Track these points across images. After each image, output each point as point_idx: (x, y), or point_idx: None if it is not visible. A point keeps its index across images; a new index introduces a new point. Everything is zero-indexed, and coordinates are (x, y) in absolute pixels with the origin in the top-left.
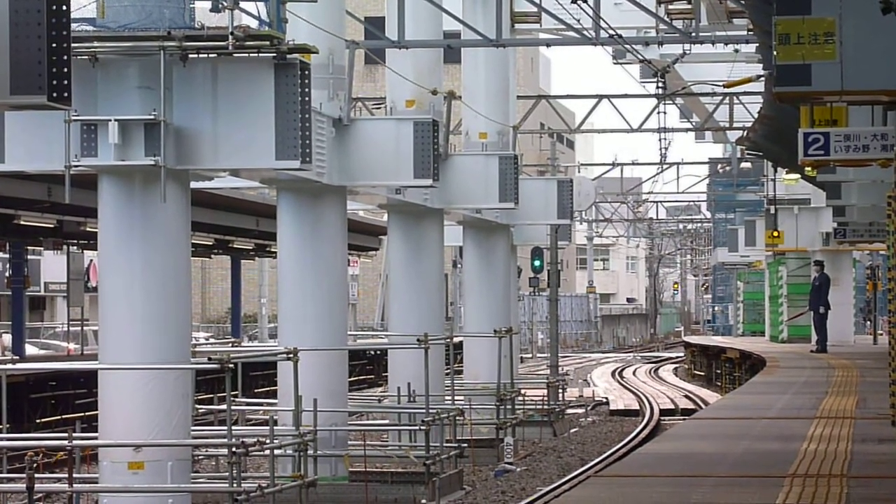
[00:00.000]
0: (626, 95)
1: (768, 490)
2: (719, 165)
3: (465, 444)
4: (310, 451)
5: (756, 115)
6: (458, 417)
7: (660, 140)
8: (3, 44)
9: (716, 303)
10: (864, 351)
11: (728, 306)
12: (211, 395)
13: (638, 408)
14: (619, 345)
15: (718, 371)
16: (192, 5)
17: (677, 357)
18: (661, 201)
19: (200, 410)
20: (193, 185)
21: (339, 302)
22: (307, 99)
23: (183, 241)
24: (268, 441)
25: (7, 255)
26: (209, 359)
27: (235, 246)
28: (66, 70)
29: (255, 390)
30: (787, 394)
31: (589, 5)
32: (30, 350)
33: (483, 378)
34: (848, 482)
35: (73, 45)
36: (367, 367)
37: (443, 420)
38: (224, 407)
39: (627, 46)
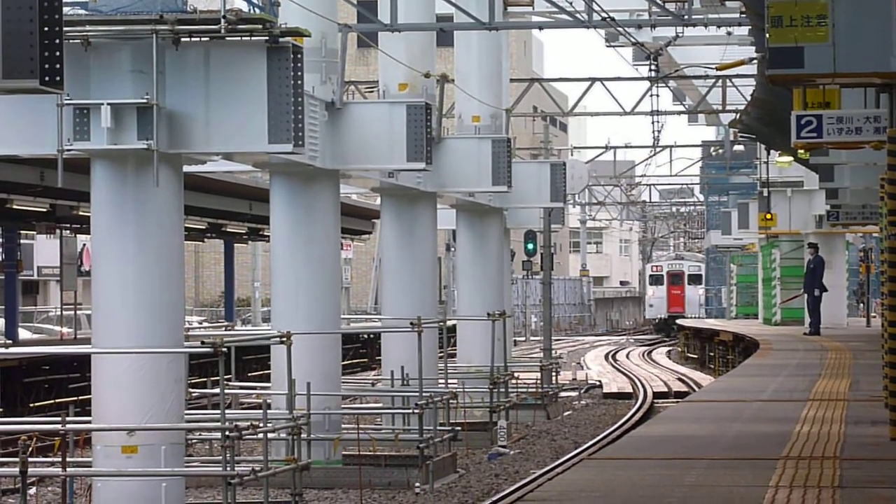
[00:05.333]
0: (618, 78)
1: (761, 472)
2: (712, 148)
3: (459, 428)
4: (303, 435)
5: (749, 98)
6: (451, 401)
7: (653, 123)
8: None
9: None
10: (857, 333)
11: (721, 289)
12: (204, 379)
13: (631, 391)
14: (613, 328)
15: (711, 354)
16: None
17: (671, 340)
18: (654, 184)
19: (194, 394)
20: (186, 168)
21: (333, 285)
22: (300, 82)
23: (176, 224)
24: (261, 425)
25: (0, 240)
26: (202, 343)
27: (228, 230)
28: (58, 54)
29: (249, 374)
30: (780, 376)
31: None
32: (23, 334)
33: (476, 361)
34: (841, 464)
35: (65, 28)
36: (361, 351)
37: (436, 403)
38: (217, 391)
39: (620, 29)
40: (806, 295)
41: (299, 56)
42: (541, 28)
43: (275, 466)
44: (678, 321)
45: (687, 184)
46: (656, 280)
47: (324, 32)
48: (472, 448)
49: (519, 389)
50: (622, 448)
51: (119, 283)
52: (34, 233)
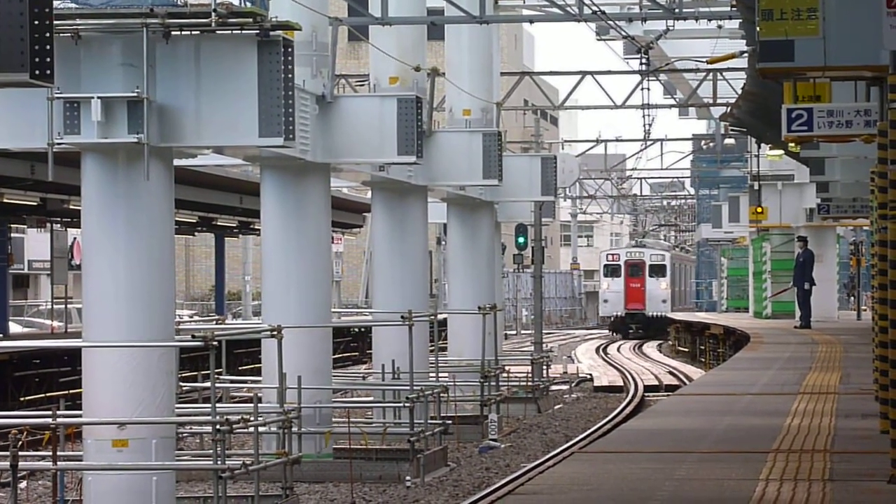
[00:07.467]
0: (609, 72)
1: (752, 465)
2: (703, 141)
3: (450, 421)
4: (294, 429)
5: (740, 91)
6: (442, 394)
7: (643, 116)
8: None
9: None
10: (847, 326)
11: (712, 282)
12: (195, 373)
13: (622, 384)
14: (603, 321)
15: (702, 347)
16: None
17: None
18: (644, 178)
19: (185, 388)
20: (177, 162)
21: (323, 279)
22: (290, 76)
23: (167, 218)
24: (252, 418)
25: None
26: (193, 336)
27: (219, 223)
28: (48, 47)
29: (240, 368)
30: (770, 369)
31: None
32: (14, 328)
33: (467, 355)
34: (831, 457)
35: (55, 22)
36: (352, 345)
37: (427, 397)
38: (208, 384)
39: (611, 23)
40: (796, 288)
41: (290, 50)
42: (531, 21)
43: (265, 460)
44: (670, 318)
45: (678, 177)
46: (612, 271)
47: (314, 26)
48: (462, 442)
49: (510, 383)
50: (613, 441)
51: (110, 277)
52: (25, 226)
